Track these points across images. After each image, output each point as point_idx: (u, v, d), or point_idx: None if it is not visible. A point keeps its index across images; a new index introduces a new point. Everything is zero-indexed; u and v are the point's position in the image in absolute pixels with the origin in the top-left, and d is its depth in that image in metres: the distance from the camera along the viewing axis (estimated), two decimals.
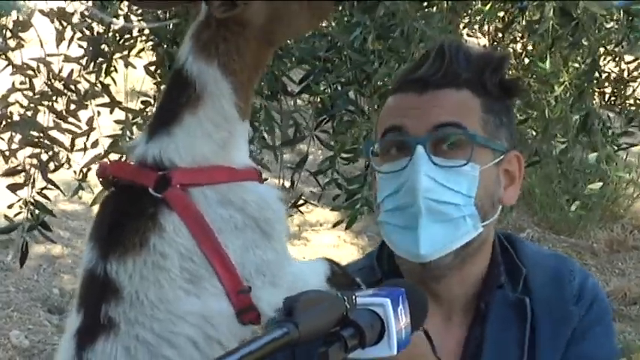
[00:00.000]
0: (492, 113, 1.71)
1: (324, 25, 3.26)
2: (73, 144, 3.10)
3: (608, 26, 3.36)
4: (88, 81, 3.17)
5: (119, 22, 2.71)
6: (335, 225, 3.33)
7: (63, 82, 3.04)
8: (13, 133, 3.03)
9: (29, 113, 2.97)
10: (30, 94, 2.99)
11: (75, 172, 3.24)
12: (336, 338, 1.25)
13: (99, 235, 1.67)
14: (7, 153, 3.08)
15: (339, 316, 1.27)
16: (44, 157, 3.04)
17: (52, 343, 5.12)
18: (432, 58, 1.72)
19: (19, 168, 3.05)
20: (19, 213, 3.08)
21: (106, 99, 3.16)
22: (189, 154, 1.65)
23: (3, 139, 3.09)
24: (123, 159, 1.72)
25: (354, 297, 1.30)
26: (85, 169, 3.22)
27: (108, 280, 1.61)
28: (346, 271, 1.79)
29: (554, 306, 1.74)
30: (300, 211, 3.22)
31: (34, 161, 3.04)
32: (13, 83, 3.01)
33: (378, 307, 1.34)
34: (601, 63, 3.53)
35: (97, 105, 3.12)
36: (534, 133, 3.68)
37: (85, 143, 3.14)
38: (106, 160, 3.00)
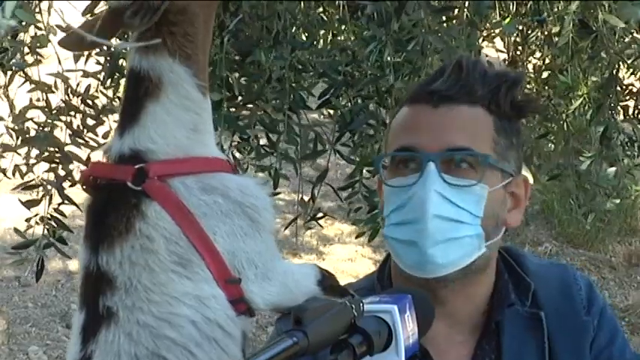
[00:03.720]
0: (503, 134, 1.70)
1: (342, 39, 3.26)
2: (88, 158, 3.10)
3: (626, 40, 3.32)
4: (105, 96, 3.17)
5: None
6: (358, 236, 3.30)
7: (80, 98, 3.04)
8: (31, 148, 3.03)
9: (47, 129, 2.97)
10: (47, 110, 2.99)
11: None
12: (344, 346, 1.26)
13: (87, 233, 1.69)
14: (23, 168, 3.08)
15: (347, 324, 1.27)
16: (61, 172, 3.04)
17: None
18: (448, 72, 1.70)
19: (36, 183, 3.05)
20: (30, 228, 3.07)
21: None
22: (162, 138, 1.66)
23: (19, 155, 3.10)
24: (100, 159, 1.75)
25: (361, 304, 1.31)
26: None
27: (101, 273, 1.64)
28: (334, 276, 1.78)
29: (567, 317, 1.74)
30: (320, 225, 3.21)
31: (51, 176, 3.04)
32: (31, 99, 3.02)
33: (385, 314, 1.34)
34: (622, 76, 3.49)
35: (115, 121, 3.11)
36: (553, 147, 3.65)
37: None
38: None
